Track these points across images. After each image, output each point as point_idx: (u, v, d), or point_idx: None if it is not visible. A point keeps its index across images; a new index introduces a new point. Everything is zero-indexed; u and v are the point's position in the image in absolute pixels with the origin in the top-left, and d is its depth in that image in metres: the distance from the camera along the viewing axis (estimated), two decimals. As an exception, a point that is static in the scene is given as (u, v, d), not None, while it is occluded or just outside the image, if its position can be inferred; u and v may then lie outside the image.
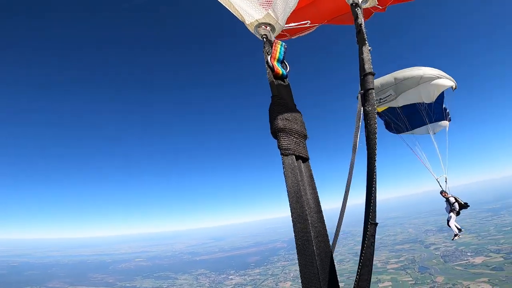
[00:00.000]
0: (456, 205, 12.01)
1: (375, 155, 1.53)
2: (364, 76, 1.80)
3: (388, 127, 12.71)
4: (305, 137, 1.71)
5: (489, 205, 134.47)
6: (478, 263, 57.51)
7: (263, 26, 2.09)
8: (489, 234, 78.38)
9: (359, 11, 2.20)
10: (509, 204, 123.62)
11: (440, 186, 11.90)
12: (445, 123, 11.78)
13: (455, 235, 12.61)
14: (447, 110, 11.56)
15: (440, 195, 12.22)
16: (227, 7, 2.08)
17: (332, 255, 1.47)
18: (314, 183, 1.63)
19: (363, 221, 1.48)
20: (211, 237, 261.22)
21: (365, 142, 1.60)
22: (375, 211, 1.44)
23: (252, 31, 2.14)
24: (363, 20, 2.12)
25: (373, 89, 1.74)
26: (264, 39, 2.04)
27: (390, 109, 11.33)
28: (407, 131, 11.96)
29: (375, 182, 1.47)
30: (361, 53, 1.92)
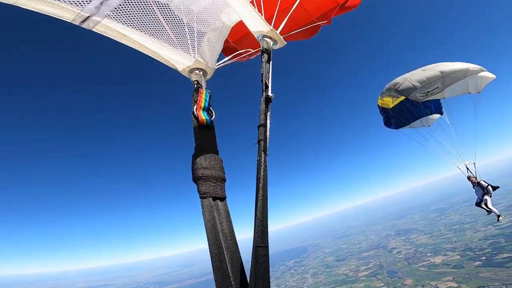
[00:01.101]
0: (490, 188, 12.33)
1: (266, 193, 1.71)
2: (257, 127, 1.94)
3: (388, 123, 13.21)
4: (223, 180, 1.89)
5: (435, 206, 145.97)
6: (439, 263, 60.92)
7: (196, 71, 2.17)
8: (442, 234, 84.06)
9: (264, 58, 2.22)
10: (452, 203, 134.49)
11: (469, 171, 12.47)
12: (436, 116, 12.83)
13: (498, 216, 12.64)
14: (441, 104, 12.66)
15: (468, 180, 12.60)
16: (156, 58, 2.10)
17: (244, 272, 1.64)
18: (230, 217, 1.83)
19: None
20: (179, 264, 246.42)
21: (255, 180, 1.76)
22: (266, 235, 1.61)
23: (187, 76, 2.20)
24: (270, 68, 2.18)
25: (262, 140, 1.86)
26: (195, 85, 2.10)
27: (400, 104, 11.98)
28: (407, 124, 12.81)
29: (266, 212, 1.67)
30: (260, 103, 2.02)
